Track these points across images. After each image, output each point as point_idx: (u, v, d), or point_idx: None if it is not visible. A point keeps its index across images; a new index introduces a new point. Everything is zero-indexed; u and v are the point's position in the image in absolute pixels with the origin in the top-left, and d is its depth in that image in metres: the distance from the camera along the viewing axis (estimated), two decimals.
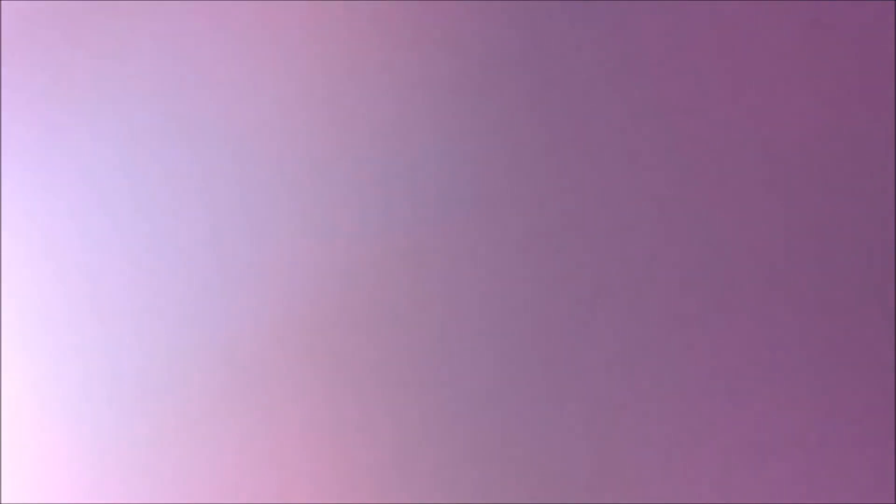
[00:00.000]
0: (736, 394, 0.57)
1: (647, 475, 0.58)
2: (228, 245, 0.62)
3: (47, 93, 0.65)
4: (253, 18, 0.63)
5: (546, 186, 0.59)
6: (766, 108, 0.57)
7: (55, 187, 0.64)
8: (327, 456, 0.61)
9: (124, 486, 0.63)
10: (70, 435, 0.64)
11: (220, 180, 0.62)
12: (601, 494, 0.58)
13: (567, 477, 0.59)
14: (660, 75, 0.58)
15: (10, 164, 0.65)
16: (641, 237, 0.58)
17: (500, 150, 0.60)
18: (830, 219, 0.57)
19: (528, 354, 0.59)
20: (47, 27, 0.65)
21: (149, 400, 0.63)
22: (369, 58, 0.61)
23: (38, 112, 0.65)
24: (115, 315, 0.63)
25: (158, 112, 0.63)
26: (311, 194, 0.62)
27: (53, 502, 0.64)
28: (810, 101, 0.57)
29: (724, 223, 0.58)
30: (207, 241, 0.63)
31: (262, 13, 0.63)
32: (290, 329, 0.62)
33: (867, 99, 0.56)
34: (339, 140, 0.62)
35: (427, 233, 0.60)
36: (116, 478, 0.63)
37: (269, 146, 0.62)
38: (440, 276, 0.60)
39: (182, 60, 0.63)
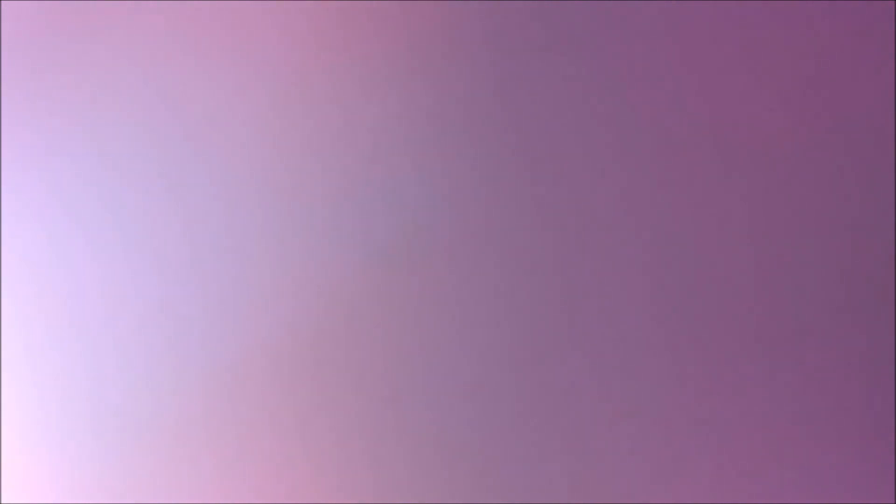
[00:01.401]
0: (733, 395, 0.57)
1: (641, 479, 0.58)
2: (209, 265, 0.62)
3: (47, 95, 0.64)
4: (246, 26, 0.63)
5: (529, 201, 0.59)
6: (764, 109, 0.57)
7: (52, 193, 0.64)
8: (308, 479, 0.61)
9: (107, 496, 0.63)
10: (62, 435, 0.64)
11: (204, 197, 0.62)
12: (586, 500, 0.58)
13: (553, 484, 0.59)
14: (651, 78, 0.58)
15: (10, 166, 0.65)
16: (631, 243, 0.58)
17: (482, 167, 0.60)
18: (829, 217, 0.57)
19: (510, 374, 0.59)
20: (47, 27, 0.65)
21: (131, 419, 0.63)
22: (350, 73, 0.61)
23: (38, 115, 0.65)
24: (110, 314, 0.63)
25: (154, 123, 0.63)
26: (292, 212, 0.62)
27: (52, 502, 0.64)
28: (809, 102, 0.57)
29: (720, 224, 0.58)
30: (191, 259, 0.63)
31: (250, 29, 0.63)
32: (269, 350, 0.61)
33: (867, 99, 0.56)
34: (319, 159, 0.62)
35: (408, 248, 0.60)
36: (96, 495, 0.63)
37: (250, 164, 0.62)
38: (421, 290, 0.60)
39: (180, 63, 0.63)
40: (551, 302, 0.59)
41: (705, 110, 0.58)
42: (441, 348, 0.60)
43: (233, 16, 0.63)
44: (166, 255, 0.63)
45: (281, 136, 0.62)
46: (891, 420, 0.55)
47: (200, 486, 0.62)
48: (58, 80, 0.65)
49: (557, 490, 0.59)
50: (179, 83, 0.64)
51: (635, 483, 0.58)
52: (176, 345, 0.63)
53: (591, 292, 0.59)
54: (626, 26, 0.59)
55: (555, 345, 0.59)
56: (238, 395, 0.62)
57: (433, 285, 0.60)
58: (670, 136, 0.58)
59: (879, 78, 0.56)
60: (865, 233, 0.56)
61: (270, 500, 0.61)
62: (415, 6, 0.61)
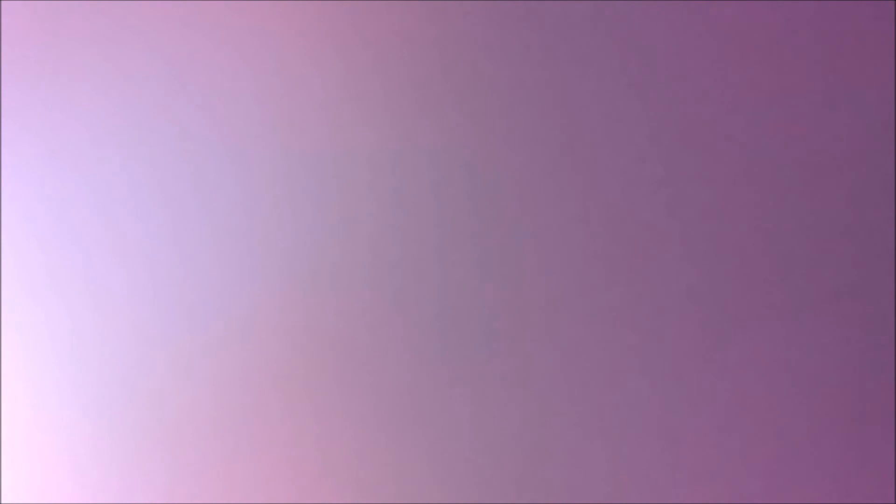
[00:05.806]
0: (734, 395, 0.57)
1: (639, 478, 0.58)
2: (206, 250, 0.62)
3: (47, 93, 0.65)
4: (242, 26, 0.63)
5: (529, 190, 0.59)
6: (766, 109, 0.57)
7: (54, 186, 0.64)
8: (312, 457, 0.61)
9: (108, 487, 0.63)
10: (62, 434, 0.64)
11: (197, 188, 0.62)
12: (581, 498, 0.58)
13: (549, 481, 0.59)
14: (656, 77, 0.58)
15: (10, 163, 0.65)
16: (635, 236, 0.58)
17: (480, 155, 0.60)
18: (829, 218, 0.57)
19: (509, 367, 0.59)
20: (47, 27, 0.65)
21: (137, 404, 0.63)
22: (349, 60, 0.61)
23: (38, 112, 0.65)
24: (109, 314, 0.63)
25: (152, 114, 0.63)
26: (289, 200, 0.62)
27: (53, 502, 0.64)
28: (810, 102, 0.57)
29: (720, 223, 0.58)
30: (193, 242, 0.63)
31: (250, 22, 0.63)
32: (264, 336, 0.61)
33: (867, 99, 0.56)
34: (314, 146, 0.62)
35: (405, 237, 0.60)
36: (100, 479, 0.63)
37: (246, 152, 0.62)
38: (416, 279, 0.60)
39: (179, 61, 0.63)
40: (555, 293, 0.59)
41: (698, 105, 0.58)
42: (434, 334, 0.60)
43: (230, 9, 0.63)
44: (156, 256, 0.63)
45: (280, 126, 0.62)
46: (891, 420, 0.55)
47: (203, 462, 0.62)
48: (57, 78, 0.65)
49: (557, 486, 0.59)
50: (176, 73, 0.64)
51: (633, 481, 0.58)
52: (176, 338, 0.63)
53: (591, 285, 0.59)
54: (630, 21, 0.59)
55: (558, 340, 0.59)
56: (238, 387, 0.62)
57: (433, 272, 0.60)
58: (673, 129, 0.58)
59: (879, 78, 0.56)
60: (865, 232, 0.56)
61: (278, 491, 0.61)
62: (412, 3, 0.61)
